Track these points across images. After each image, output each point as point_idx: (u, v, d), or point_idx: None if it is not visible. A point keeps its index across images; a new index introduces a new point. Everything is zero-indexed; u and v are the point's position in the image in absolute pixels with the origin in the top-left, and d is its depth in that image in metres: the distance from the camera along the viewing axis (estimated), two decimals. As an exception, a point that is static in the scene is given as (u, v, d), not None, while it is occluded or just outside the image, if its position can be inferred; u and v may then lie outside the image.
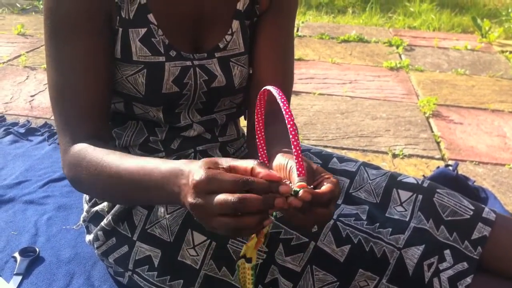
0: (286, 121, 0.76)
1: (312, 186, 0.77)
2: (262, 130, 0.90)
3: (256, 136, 0.91)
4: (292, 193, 0.73)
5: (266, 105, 0.89)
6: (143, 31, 1.05)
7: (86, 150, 0.97)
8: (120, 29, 1.04)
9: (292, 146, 0.75)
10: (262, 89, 0.84)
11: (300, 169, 0.76)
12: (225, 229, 0.72)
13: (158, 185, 0.83)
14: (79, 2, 0.98)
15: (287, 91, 1.22)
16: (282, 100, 0.77)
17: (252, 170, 0.74)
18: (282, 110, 0.76)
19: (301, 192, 0.73)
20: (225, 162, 0.76)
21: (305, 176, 0.76)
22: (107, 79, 1.05)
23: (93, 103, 1.02)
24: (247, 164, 0.75)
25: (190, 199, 0.73)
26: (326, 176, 0.79)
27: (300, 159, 0.76)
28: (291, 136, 0.75)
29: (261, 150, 0.91)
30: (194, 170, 0.74)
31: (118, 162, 0.91)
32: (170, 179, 0.80)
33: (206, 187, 0.72)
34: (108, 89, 1.06)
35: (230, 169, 0.75)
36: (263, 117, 0.89)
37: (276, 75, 1.17)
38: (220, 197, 0.70)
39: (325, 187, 0.76)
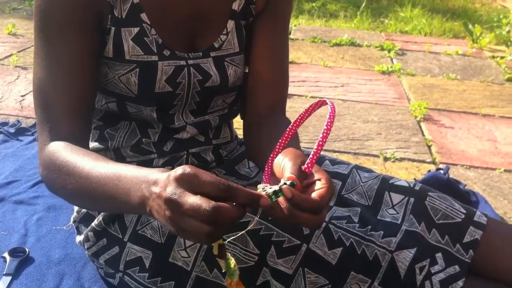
0: (325, 129, 0.82)
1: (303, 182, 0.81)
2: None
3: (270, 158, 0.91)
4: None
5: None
6: (135, 30, 1.04)
7: (61, 150, 0.95)
8: (113, 28, 1.03)
9: (316, 144, 0.82)
10: (318, 101, 0.90)
11: (309, 164, 0.82)
12: (193, 231, 0.70)
13: (124, 191, 0.82)
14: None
15: (284, 90, 1.22)
16: (331, 113, 0.83)
17: None
18: (326, 120, 0.82)
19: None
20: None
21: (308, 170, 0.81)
22: (91, 79, 1.03)
23: (75, 103, 1.01)
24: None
25: (168, 192, 0.71)
26: (323, 182, 0.80)
27: (316, 155, 0.81)
28: (321, 137, 0.81)
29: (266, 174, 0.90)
30: (175, 169, 0.73)
31: (90, 165, 0.89)
32: (137, 185, 0.79)
33: (187, 181, 0.71)
34: (92, 90, 1.05)
35: None
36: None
37: (272, 74, 1.18)
38: (195, 201, 0.69)
39: (315, 193, 0.78)
